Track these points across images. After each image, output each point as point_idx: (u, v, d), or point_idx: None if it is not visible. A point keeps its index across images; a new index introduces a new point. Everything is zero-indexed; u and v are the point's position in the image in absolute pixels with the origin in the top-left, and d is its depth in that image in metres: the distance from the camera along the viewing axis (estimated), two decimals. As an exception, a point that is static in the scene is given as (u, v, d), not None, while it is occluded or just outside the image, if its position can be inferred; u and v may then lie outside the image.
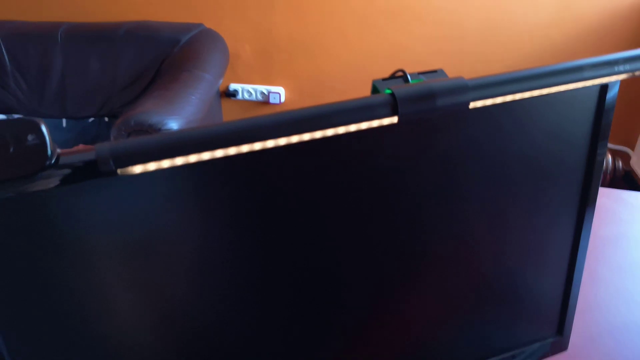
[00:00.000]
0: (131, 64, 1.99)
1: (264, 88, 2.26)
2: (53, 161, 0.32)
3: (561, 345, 0.60)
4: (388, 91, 0.38)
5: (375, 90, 0.40)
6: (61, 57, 2.01)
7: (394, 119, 0.37)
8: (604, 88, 0.46)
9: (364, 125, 0.37)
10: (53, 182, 0.33)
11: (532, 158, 0.47)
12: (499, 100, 0.39)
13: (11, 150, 0.31)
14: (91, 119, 2.10)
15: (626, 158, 2.13)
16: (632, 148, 2.12)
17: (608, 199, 0.98)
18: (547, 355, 0.60)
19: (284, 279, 0.43)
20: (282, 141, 0.35)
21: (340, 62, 2.13)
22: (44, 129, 0.32)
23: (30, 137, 0.31)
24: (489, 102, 0.39)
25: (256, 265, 0.42)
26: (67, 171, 0.33)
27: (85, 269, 0.37)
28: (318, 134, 0.36)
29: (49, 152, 0.32)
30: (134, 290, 0.39)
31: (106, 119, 2.10)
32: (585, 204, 0.52)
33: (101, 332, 0.40)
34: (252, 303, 0.44)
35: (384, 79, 0.40)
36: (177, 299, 0.41)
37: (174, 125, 1.86)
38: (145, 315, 0.41)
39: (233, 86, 2.28)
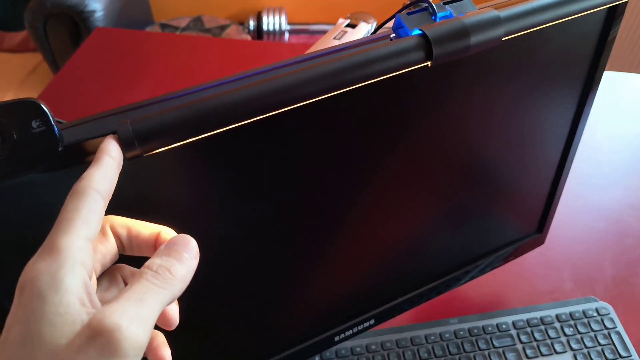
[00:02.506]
0: None
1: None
2: (62, 147, 0.28)
3: (539, 241, 0.64)
4: (417, 32, 0.34)
5: (399, 25, 0.36)
6: None
7: (427, 63, 0.34)
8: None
9: (394, 73, 0.34)
10: (65, 168, 0.29)
11: (542, 72, 0.46)
12: (529, 30, 0.37)
13: (15, 139, 0.26)
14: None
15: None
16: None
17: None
18: (525, 251, 0.65)
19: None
20: (309, 100, 0.32)
21: None
22: (46, 109, 0.27)
23: (34, 124, 0.27)
24: (520, 33, 0.37)
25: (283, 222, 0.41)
26: (81, 157, 0.29)
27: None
28: (347, 88, 0.33)
29: (58, 137, 0.27)
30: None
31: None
32: (580, 115, 0.53)
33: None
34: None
35: (408, 13, 0.37)
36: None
37: (96, 5, 1.68)
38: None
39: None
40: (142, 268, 0.25)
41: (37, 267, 0.22)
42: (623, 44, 1.72)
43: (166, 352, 0.29)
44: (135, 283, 0.24)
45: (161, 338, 0.29)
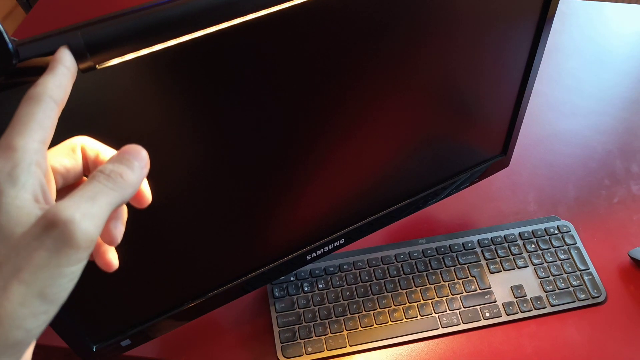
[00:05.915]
0: None
1: None
2: (16, 60, 0.29)
3: (504, 163, 0.67)
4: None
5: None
6: None
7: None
8: None
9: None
10: (19, 83, 0.30)
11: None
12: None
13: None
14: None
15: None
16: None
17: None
18: (491, 173, 0.67)
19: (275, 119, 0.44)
20: (262, 12, 0.33)
21: None
22: (-3, 23, 0.28)
23: (-14, 37, 0.27)
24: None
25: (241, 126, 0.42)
26: (35, 70, 0.30)
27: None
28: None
29: (12, 51, 0.28)
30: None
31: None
32: (541, 30, 0.54)
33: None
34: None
35: None
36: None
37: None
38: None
39: None
40: (94, 172, 0.26)
41: None
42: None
43: (112, 256, 0.30)
44: (88, 184, 0.25)
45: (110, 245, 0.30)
